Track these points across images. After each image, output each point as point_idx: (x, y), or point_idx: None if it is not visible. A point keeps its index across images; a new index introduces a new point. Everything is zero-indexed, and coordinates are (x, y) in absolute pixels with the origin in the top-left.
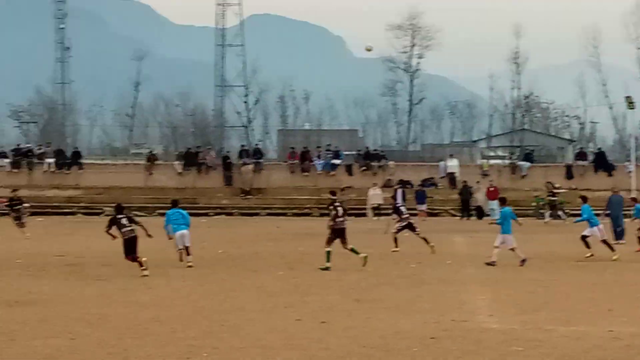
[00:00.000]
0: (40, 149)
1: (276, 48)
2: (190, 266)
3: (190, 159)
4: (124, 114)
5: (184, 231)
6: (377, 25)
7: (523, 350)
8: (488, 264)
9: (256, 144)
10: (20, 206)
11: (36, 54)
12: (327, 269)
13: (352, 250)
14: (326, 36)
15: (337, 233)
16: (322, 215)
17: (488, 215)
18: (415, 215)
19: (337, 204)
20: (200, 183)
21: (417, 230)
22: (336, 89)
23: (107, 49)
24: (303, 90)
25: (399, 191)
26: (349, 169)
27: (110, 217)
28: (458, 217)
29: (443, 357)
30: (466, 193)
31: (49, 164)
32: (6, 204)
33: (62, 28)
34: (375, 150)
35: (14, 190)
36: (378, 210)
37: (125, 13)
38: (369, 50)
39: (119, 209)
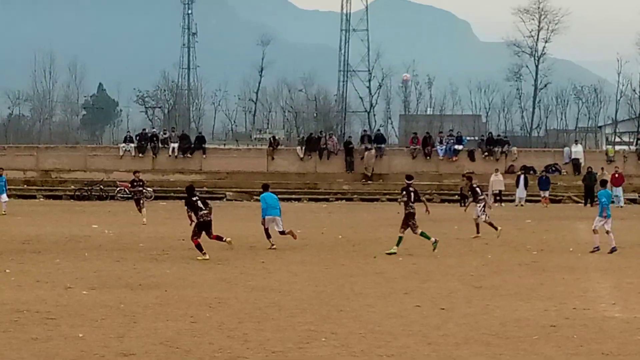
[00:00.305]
0: (165, 133)
1: (400, 32)
2: (273, 248)
3: (312, 144)
4: (247, 99)
5: (276, 216)
6: (504, 9)
7: None
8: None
9: (378, 129)
10: (140, 188)
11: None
12: (392, 253)
13: (422, 234)
14: (452, 20)
15: (409, 217)
16: (442, 201)
17: (612, 202)
18: (538, 201)
19: (410, 189)
20: (321, 168)
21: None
22: (460, 74)
23: (232, 34)
24: (426, 75)
25: (522, 177)
26: (471, 155)
27: (185, 199)
28: (581, 204)
29: (563, 346)
30: (590, 179)
31: (173, 148)
32: (130, 187)
33: (189, 13)
34: (498, 135)
35: (136, 172)
36: (499, 197)
37: None
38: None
39: (191, 190)
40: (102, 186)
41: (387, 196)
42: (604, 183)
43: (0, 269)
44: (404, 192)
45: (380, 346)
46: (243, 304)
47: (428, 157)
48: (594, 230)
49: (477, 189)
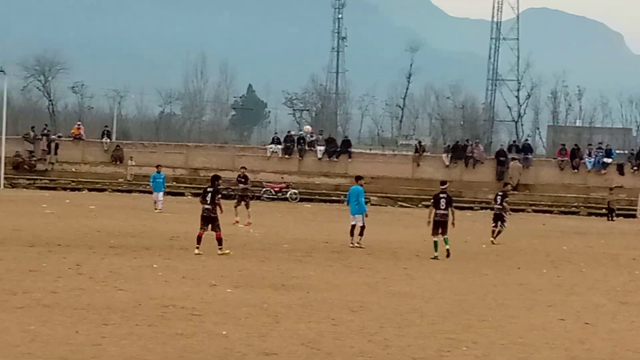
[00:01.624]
0: (312, 136)
1: (551, 43)
2: (359, 246)
3: (458, 152)
4: (394, 104)
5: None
6: None
7: None
8: None
9: (525, 139)
10: (245, 185)
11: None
12: (435, 257)
13: (445, 240)
14: (604, 32)
15: (439, 224)
16: (589, 214)
17: None
18: None
19: (442, 195)
20: (466, 176)
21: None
22: (611, 86)
23: (381, 40)
24: (576, 86)
25: None
26: (620, 168)
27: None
28: None
29: None
30: None
31: (320, 151)
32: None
33: (340, 18)
34: None
35: (242, 167)
36: None
37: (401, 4)
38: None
39: (212, 179)
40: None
41: (533, 207)
42: None
43: (148, 264)
44: (435, 199)
45: (522, 358)
46: (384, 309)
47: (576, 170)
48: None
49: None
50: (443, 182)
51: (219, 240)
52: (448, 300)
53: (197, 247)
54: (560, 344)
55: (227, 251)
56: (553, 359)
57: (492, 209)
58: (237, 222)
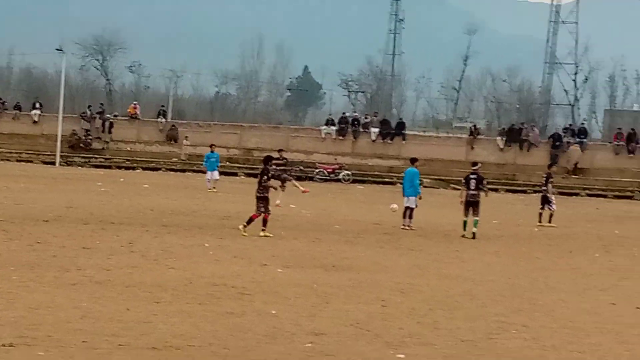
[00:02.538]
0: (366, 118)
1: (610, 26)
2: (410, 228)
3: (513, 135)
4: (450, 87)
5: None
6: None
7: None
8: None
9: (582, 123)
10: (284, 167)
11: (369, 25)
12: (463, 236)
13: (474, 222)
14: None
15: (469, 204)
16: None
17: None
18: None
19: (472, 176)
20: (520, 160)
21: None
22: None
23: (439, 22)
24: (635, 71)
25: None
26: None
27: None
28: None
29: None
30: None
31: (374, 133)
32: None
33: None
34: None
35: (280, 150)
36: None
37: None
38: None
39: (264, 160)
40: (301, 167)
41: (587, 191)
42: None
43: (199, 243)
44: (465, 180)
45: (572, 342)
46: (434, 291)
47: (632, 154)
48: None
49: None
50: (474, 163)
51: (264, 222)
52: (498, 283)
53: (245, 227)
54: (611, 328)
55: (269, 234)
56: (603, 344)
57: (540, 192)
58: (279, 204)
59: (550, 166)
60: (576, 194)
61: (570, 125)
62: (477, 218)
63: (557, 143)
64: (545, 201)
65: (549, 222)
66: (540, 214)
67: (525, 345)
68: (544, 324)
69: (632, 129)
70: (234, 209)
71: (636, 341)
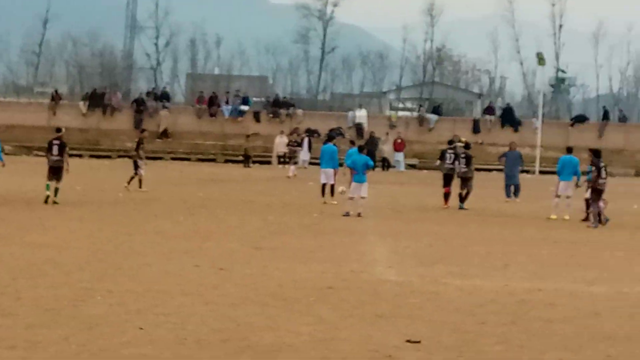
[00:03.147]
0: None
1: None
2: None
3: (96, 100)
4: (30, 51)
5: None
6: None
7: (418, 302)
8: None
9: (164, 87)
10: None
11: None
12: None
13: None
14: None
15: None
16: (226, 161)
17: (394, 167)
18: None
19: (55, 142)
20: (104, 125)
21: None
22: (248, 35)
23: None
24: (215, 35)
25: (306, 140)
26: (256, 116)
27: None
28: None
29: (339, 307)
30: (373, 144)
31: None
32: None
33: None
34: (284, 97)
35: (143, 131)
36: (283, 159)
37: None
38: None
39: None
40: None
41: (171, 155)
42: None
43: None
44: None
45: (157, 305)
46: (18, 260)
47: (213, 117)
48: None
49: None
50: (58, 129)
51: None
52: (83, 250)
53: None
54: (195, 289)
55: None
56: (187, 305)
57: (130, 157)
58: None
59: (142, 131)
60: (160, 158)
61: (153, 89)
62: (59, 185)
63: (141, 107)
64: (134, 166)
65: (140, 187)
66: (132, 178)
67: (111, 310)
68: (129, 289)
69: (214, 93)
70: None
71: (219, 301)
